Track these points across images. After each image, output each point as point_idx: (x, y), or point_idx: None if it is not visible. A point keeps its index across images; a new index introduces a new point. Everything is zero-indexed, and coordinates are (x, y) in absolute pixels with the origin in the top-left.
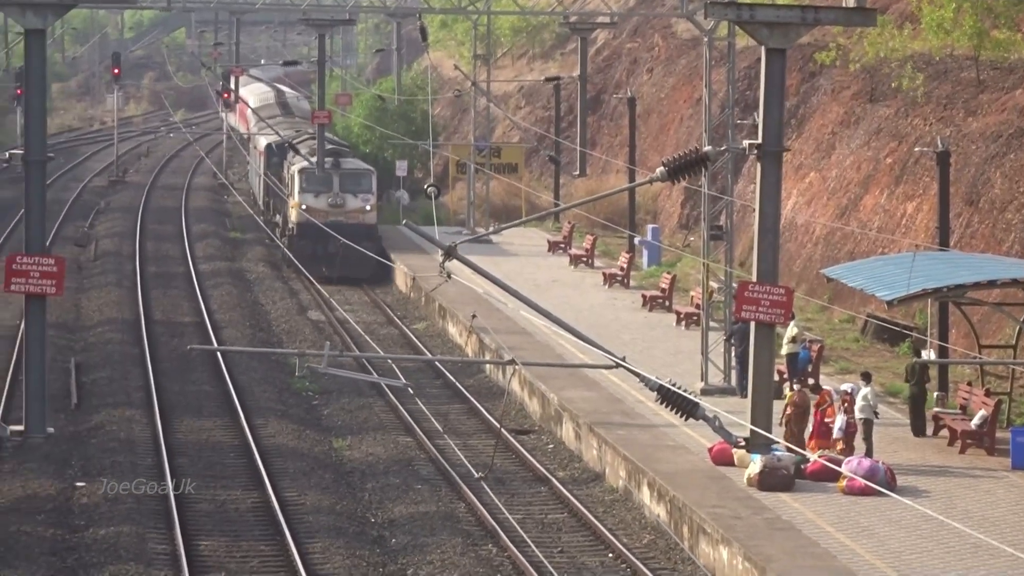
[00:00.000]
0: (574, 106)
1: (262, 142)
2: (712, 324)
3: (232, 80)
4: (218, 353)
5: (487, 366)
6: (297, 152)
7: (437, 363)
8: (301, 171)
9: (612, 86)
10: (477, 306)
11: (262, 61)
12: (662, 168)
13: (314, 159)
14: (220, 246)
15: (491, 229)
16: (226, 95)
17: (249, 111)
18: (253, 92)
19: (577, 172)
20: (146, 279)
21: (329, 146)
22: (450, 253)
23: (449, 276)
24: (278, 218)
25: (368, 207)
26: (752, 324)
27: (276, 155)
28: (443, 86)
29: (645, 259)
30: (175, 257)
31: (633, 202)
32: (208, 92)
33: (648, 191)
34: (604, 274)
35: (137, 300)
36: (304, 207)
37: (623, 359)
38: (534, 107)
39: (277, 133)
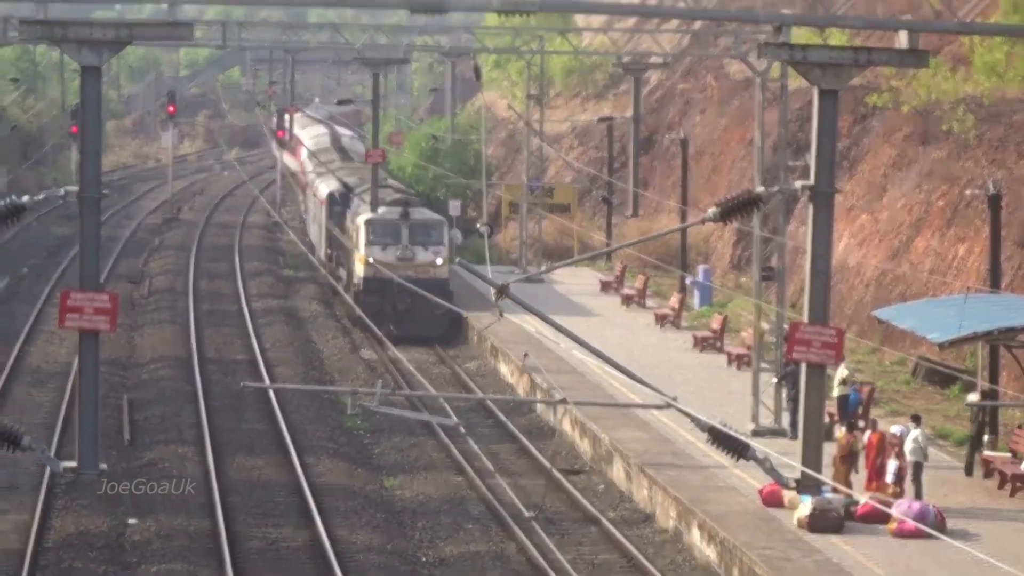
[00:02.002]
0: (627, 147)
1: (323, 190)
2: (763, 365)
3: (287, 118)
4: (270, 391)
5: (538, 405)
6: (363, 201)
7: (488, 402)
8: (368, 222)
9: (664, 127)
10: (529, 345)
11: (316, 100)
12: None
13: (381, 210)
14: (273, 284)
15: (543, 268)
16: (280, 133)
17: (304, 151)
18: (308, 131)
19: (629, 212)
20: (199, 317)
21: (396, 194)
22: (503, 292)
23: (501, 315)
24: (342, 272)
25: (439, 260)
26: (803, 365)
27: (339, 204)
28: (496, 126)
29: (697, 300)
30: (228, 295)
31: (685, 243)
32: (262, 130)
33: (700, 232)
34: (656, 314)
35: (190, 337)
36: (371, 260)
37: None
38: (587, 147)
39: (341, 181)
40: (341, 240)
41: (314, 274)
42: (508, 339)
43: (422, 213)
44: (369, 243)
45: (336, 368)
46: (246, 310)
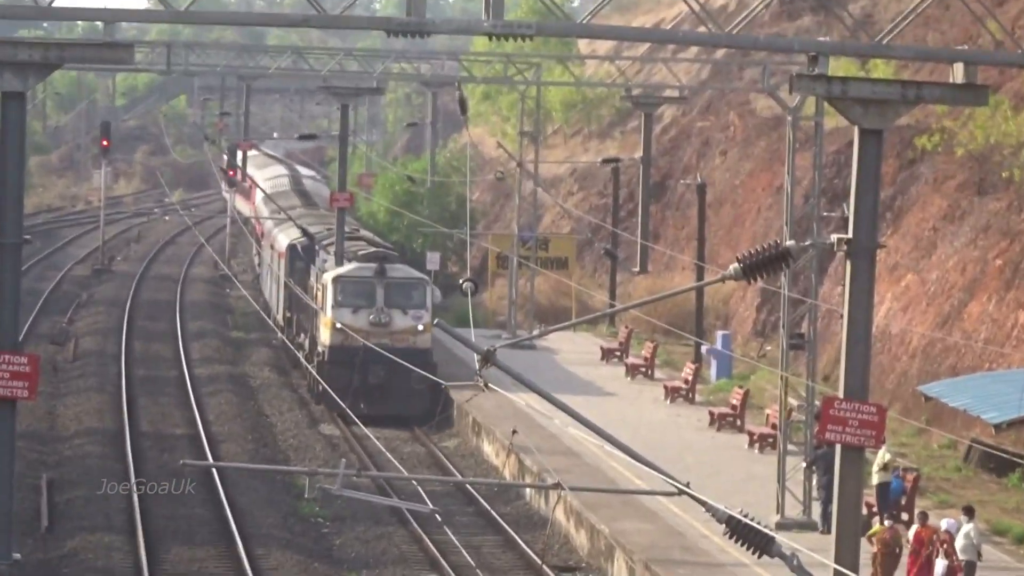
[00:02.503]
0: (635, 193)
1: (282, 240)
2: (791, 447)
3: (239, 156)
4: (214, 470)
5: (528, 491)
6: (330, 255)
7: (469, 486)
8: (337, 280)
9: (680, 170)
10: (517, 421)
11: (274, 135)
12: (736, 265)
13: (352, 266)
14: (220, 347)
15: (536, 332)
16: (232, 173)
17: (259, 194)
18: (264, 171)
19: (637, 269)
20: (133, 384)
21: (369, 247)
22: (488, 359)
23: (486, 386)
24: (303, 338)
25: (421, 326)
26: (837, 448)
27: (301, 257)
28: (484, 167)
29: (714, 371)
30: (167, 359)
31: (701, 304)
32: (211, 169)
33: (719, 292)
34: (666, 387)
35: (121, 408)
36: (339, 325)
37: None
38: (588, 193)
39: (303, 230)
40: (303, 300)
41: (268, 336)
42: (493, 414)
43: (400, 270)
44: (337, 304)
45: (291, 445)
46: (187, 377)
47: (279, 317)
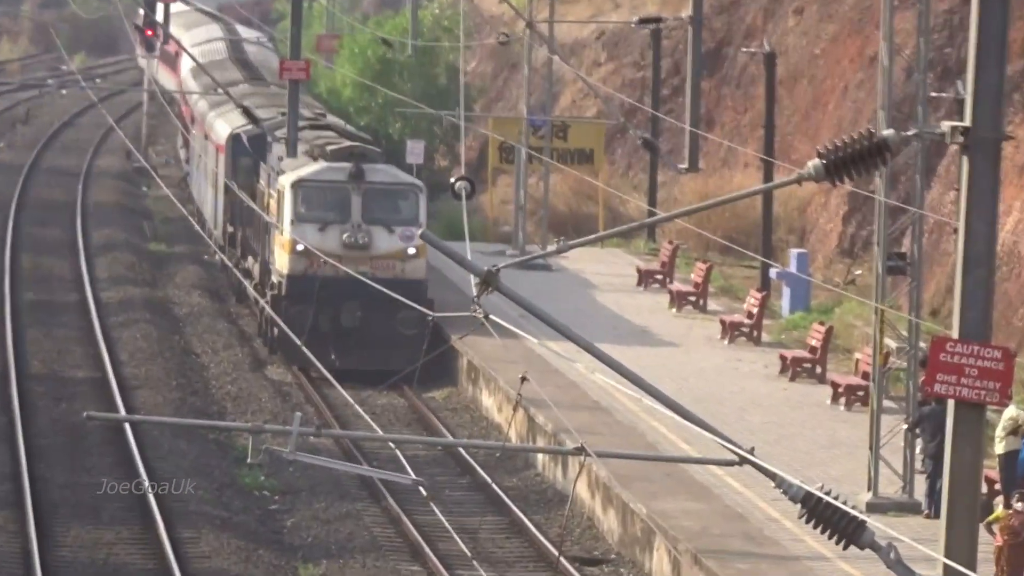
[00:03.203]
0: (682, 64)
1: (221, 129)
2: (887, 404)
3: (160, 10)
4: (127, 426)
5: (540, 458)
6: (287, 148)
7: (463, 451)
8: (297, 185)
9: (741, 34)
10: (527, 365)
11: None
12: (816, 162)
13: (318, 166)
14: (134, 264)
15: (551, 247)
16: (149, 32)
17: (186, 63)
18: (193, 32)
19: (684, 165)
20: (19, 312)
21: (340, 141)
22: (488, 282)
23: (486, 318)
24: (251, 264)
25: (412, 249)
26: (950, 404)
27: (248, 153)
28: (482, 27)
29: (786, 301)
30: (65, 279)
31: (770, 214)
32: (122, 27)
33: (792, 197)
34: (723, 322)
35: (5, 344)
36: (301, 248)
37: (750, 452)
38: (620, 63)
39: (249, 115)
40: (251, 210)
41: (198, 248)
42: (495, 356)
43: (384, 172)
44: (299, 219)
45: (229, 394)
46: (92, 303)
47: (217, 232)
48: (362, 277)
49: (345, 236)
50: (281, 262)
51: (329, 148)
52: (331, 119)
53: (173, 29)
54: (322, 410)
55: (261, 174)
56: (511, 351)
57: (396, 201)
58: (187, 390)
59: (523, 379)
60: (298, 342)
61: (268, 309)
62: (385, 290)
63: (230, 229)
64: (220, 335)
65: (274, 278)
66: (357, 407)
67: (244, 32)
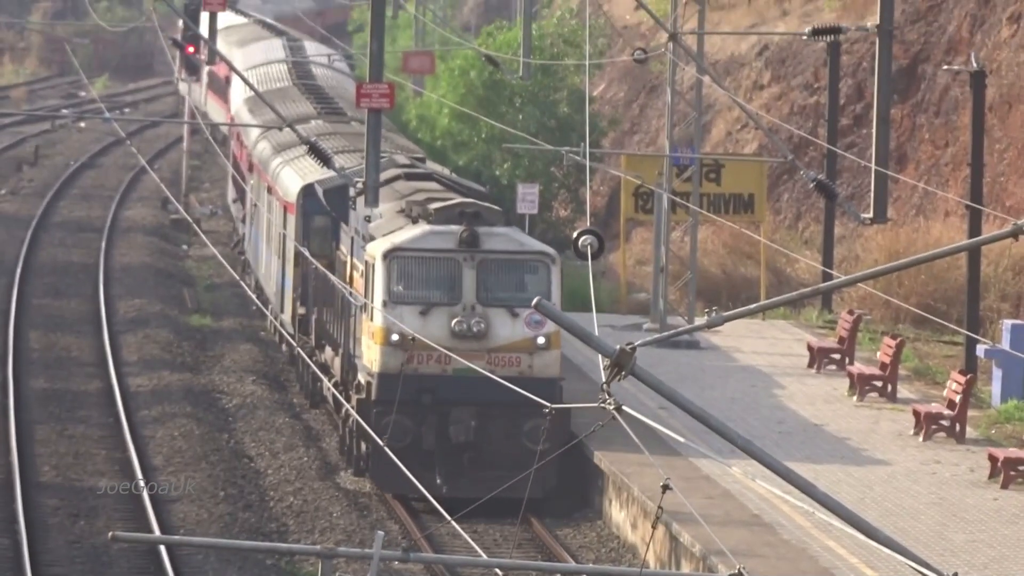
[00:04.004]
0: (867, 85)
1: (290, 180)
2: None
3: (205, 22)
4: (162, 549)
5: None
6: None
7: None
8: (392, 255)
9: (942, 49)
10: (669, 470)
11: None
12: None
13: (416, 230)
14: (171, 343)
15: (700, 320)
16: (191, 49)
17: (239, 91)
18: (245, 49)
19: (869, 214)
20: (26, 404)
21: (447, 195)
22: (620, 364)
23: (618, 410)
24: (330, 357)
25: (542, 339)
26: None
27: (325, 211)
28: (614, 42)
29: (997, 387)
30: (84, 363)
31: (977, 275)
32: (156, 42)
33: (1006, 255)
34: (917, 413)
35: (8, 444)
36: (397, 337)
37: None
38: (788, 85)
39: (324, 158)
40: (330, 286)
41: (250, 322)
42: (629, 457)
43: (506, 237)
44: (394, 299)
45: (292, 508)
46: (118, 392)
47: (285, 315)
48: (480, 374)
49: (455, 322)
50: (370, 356)
51: (433, 206)
52: (432, 166)
53: (222, 46)
54: (409, 527)
55: (342, 239)
56: (651, 447)
57: (521, 276)
58: (238, 503)
59: (665, 488)
60: (396, 460)
61: (355, 416)
62: (512, 385)
63: (301, 310)
64: (280, 433)
65: (361, 377)
66: (453, 523)
67: (313, 49)
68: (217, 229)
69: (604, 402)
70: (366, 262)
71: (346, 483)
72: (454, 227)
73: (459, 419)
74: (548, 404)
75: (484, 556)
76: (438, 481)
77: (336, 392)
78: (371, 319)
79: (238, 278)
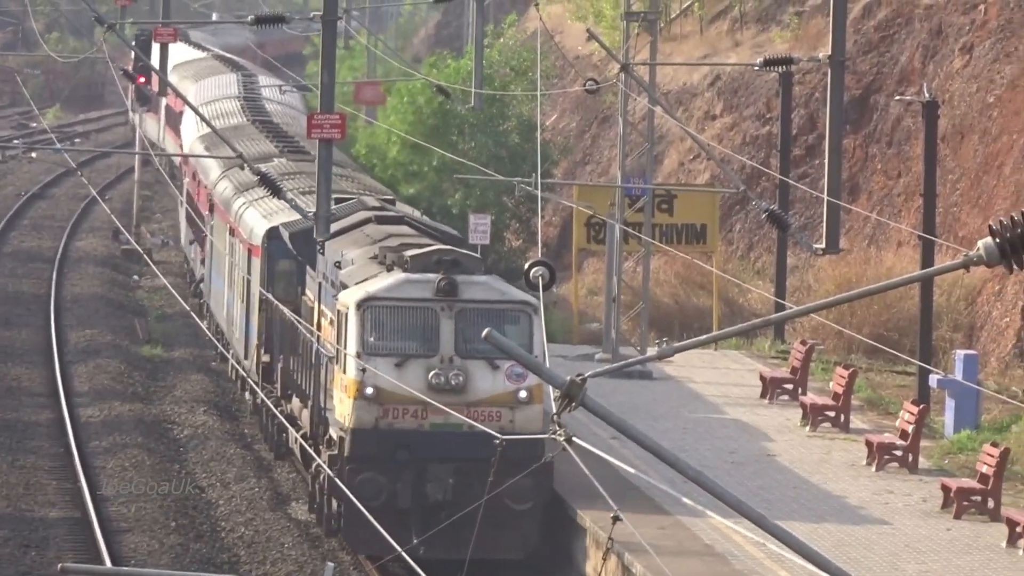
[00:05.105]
0: (819, 116)
1: (254, 222)
2: None
3: (156, 53)
4: None
5: None
6: (351, 250)
7: None
8: (365, 305)
9: (894, 79)
10: (620, 502)
11: (214, 15)
12: (988, 241)
13: (392, 278)
14: (122, 374)
15: (652, 351)
16: (142, 80)
17: (191, 124)
18: (199, 83)
19: (822, 245)
20: None
21: (423, 242)
22: (571, 396)
23: (570, 441)
24: (297, 408)
25: (524, 392)
26: None
27: (286, 255)
28: (565, 72)
29: (950, 417)
30: (34, 394)
31: (930, 306)
32: (108, 74)
33: (958, 285)
34: (870, 443)
35: None
36: (372, 391)
37: None
38: (740, 116)
39: (292, 202)
40: (297, 334)
41: (201, 352)
42: (580, 488)
43: (485, 286)
44: (368, 350)
45: (243, 539)
46: (68, 423)
47: (249, 362)
48: (459, 429)
49: (432, 375)
50: (343, 410)
51: (409, 253)
52: (403, 208)
53: (174, 77)
54: (361, 560)
55: (309, 284)
56: (604, 479)
57: (501, 326)
58: (189, 534)
59: (615, 519)
60: (370, 518)
61: (327, 472)
62: (485, 455)
63: (266, 358)
64: (232, 464)
65: (333, 432)
66: (404, 555)
67: (266, 82)
68: (168, 260)
69: (555, 433)
70: (338, 311)
71: (297, 514)
72: (431, 275)
73: (436, 476)
74: (499, 436)
75: None
76: (415, 541)
77: (305, 445)
78: (344, 371)
79: (188, 308)
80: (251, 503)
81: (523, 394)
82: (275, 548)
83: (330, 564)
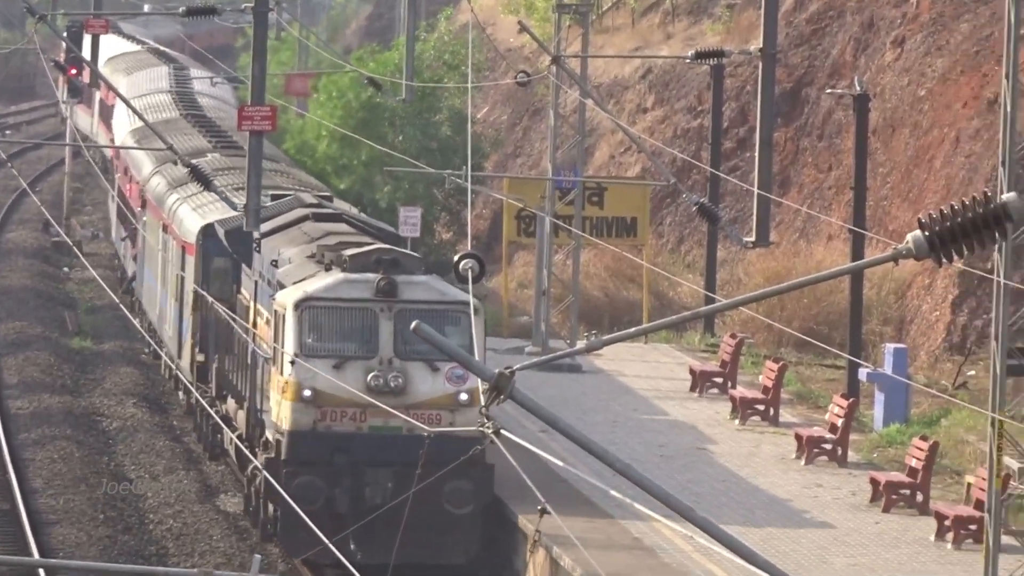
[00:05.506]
0: (750, 109)
1: (189, 219)
2: (1007, 540)
3: (87, 43)
4: (41, 572)
5: None
6: (289, 249)
7: None
8: (303, 305)
9: (825, 72)
10: (549, 494)
11: (146, 7)
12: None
13: (330, 279)
14: (52, 366)
15: (582, 344)
16: (73, 72)
17: (123, 117)
18: (132, 76)
19: (752, 238)
20: None
21: (362, 240)
22: (499, 388)
23: (498, 433)
24: (233, 409)
25: (465, 395)
26: None
27: (222, 252)
28: (496, 65)
29: (879, 411)
30: None
31: (860, 299)
32: (39, 65)
33: (888, 279)
34: (799, 437)
35: None
36: (309, 394)
37: None
38: (671, 108)
39: (224, 197)
40: (232, 333)
41: (131, 345)
42: (510, 480)
43: (426, 286)
44: (306, 352)
45: (171, 531)
46: None
47: (183, 361)
48: (398, 432)
49: (371, 377)
50: (280, 413)
51: (347, 253)
52: (341, 205)
53: (106, 68)
54: (297, 565)
55: (244, 282)
56: (532, 472)
57: (442, 327)
58: (118, 526)
59: (542, 511)
60: (310, 524)
61: (264, 475)
62: (425, 429)
63: (200, 357)
64: (160, 456)
65: (269, 434)
66: (344, 560)
67: (198, 74)
68: (98, 252)
69: (483, 426)
70: (275, 311)
71: (226, 506)
72: (370, 275)
73: (376, 481)
74: (428, 428)
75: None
76: (352, 547)
77: (242, 446)
78: (281, 372)
79: (118, 301)
80: (180, 495)
81: (463, 396)
82: (203, 540)
83: (257, 556)
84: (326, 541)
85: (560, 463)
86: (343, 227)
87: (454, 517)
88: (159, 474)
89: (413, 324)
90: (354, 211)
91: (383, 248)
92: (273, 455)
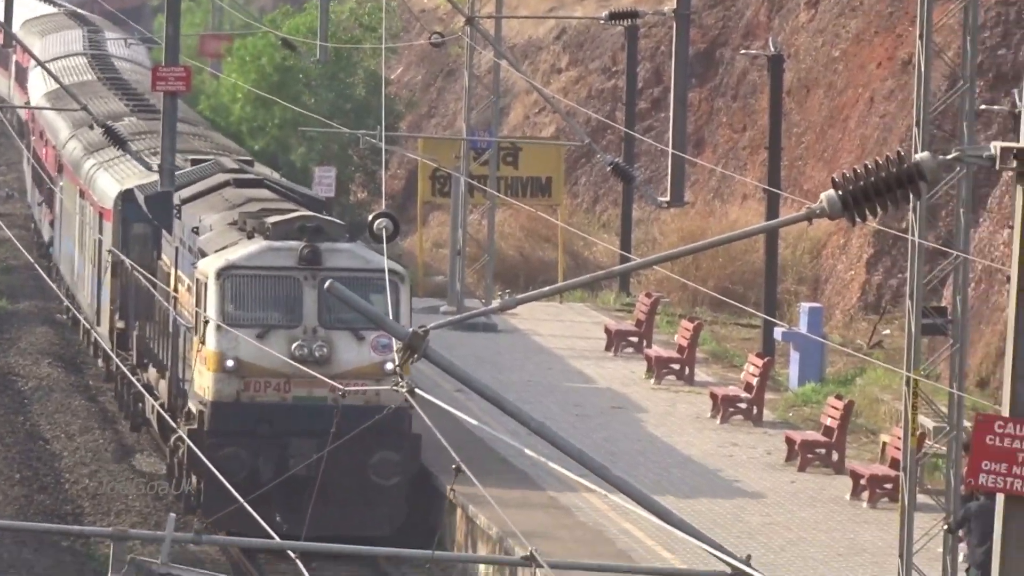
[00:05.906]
0: (664, 69)
1: (106, 184)
2: (922, 499)
3: (2, 5)
4: None
5: (480, 569)
6: (210, 215)
7: (383, 560)
8: (225, 274)
9: (739, 33)
10: (463, 453)
11: None
12: (832, 193)
13: (253, 246)
14: None
15: (496, 303)
16: None
17: (38, 79)
18: (46, 37)
19: (667, 198)
20: None
21: (284, 208)
22: (413, 347)
23: (412, 393)
24: (154, 378)
25: (390, 364)
26: (999, 500)
27: (142, 217)
28: (410, 26)
29: (794, 370)
30: None
31: (774, 259)
32: None
33: (803, 238)
34: (714, 396)
35: None
36: (232, 364)
37: (746, 560)
38: (585, 69)
39: (142, 161)
40: (153, 300)
41: (46, 305)
42: (430, 443)
43: (350, 254)
44: (229, 321)
45: (87, 490)
46: None
47: (102, 328)
48: (319, 406)
49: (295, 346)
50: (202, 383)
51: (270, 220)
52: (262, 170)
53: (22, 35)
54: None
55: (165, 248)
56: (446, 431)
57: (367, 295)
58: (33, 485)
59: (457, 470)
60: (235, 494)
61: (188, 446)
62: (349, 429)
63: (120, 324)
64: (76, 416)
65: (192, 405)
66: (248, 507)
67: (111, 35)
68: (13, 212)
69: (396, 385)
70: (196, 280)
71: (142, 466)
72: (293, 243)
73: (300, 452)
74: (342, 388)
75: (276, 538)
76: (277, 519)
77: (165, 415)
78: (203, 342)
79: (33, 261)
80: (95, 455)
81: (389, 366)
82: (119, 500)
83: (172, 515)
84: (252, 512)
85: (475, 422)
86: (265, 193)
87: (381, 488)
88: (75, 433)
89: (327, 283)
90: (275, 176)
91: (306, 215)
92: (196, 426)
